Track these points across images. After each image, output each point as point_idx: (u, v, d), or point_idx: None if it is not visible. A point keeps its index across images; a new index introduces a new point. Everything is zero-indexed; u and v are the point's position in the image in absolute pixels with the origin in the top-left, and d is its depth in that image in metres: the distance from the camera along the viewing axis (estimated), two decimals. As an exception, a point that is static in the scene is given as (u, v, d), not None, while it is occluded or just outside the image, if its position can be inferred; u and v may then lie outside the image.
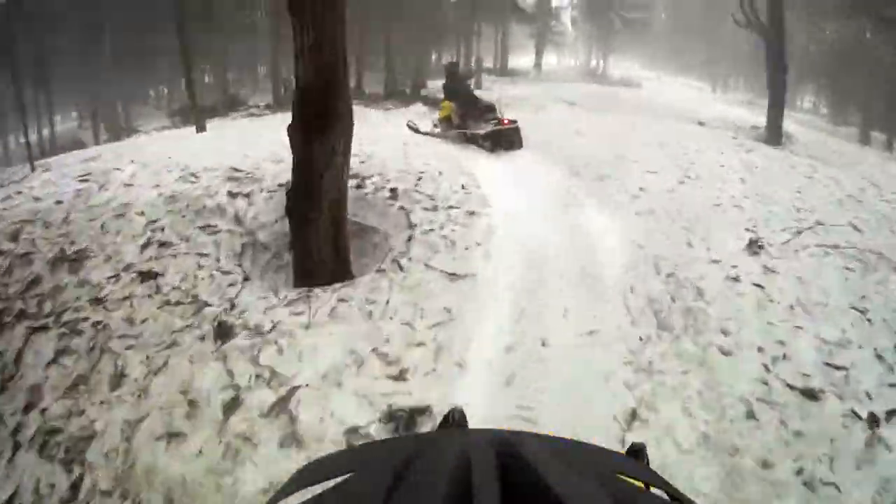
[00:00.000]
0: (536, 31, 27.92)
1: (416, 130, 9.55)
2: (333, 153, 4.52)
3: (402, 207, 5.51)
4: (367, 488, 0.36)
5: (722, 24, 28.05)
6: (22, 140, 18.59)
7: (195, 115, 11.45)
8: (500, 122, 8.08)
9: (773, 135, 12.11)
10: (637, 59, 38.87)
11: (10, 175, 10.73)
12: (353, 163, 6.65)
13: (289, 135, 4.60)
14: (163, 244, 5.42)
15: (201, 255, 5.27)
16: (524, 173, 7.09)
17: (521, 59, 29.10)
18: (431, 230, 5.05)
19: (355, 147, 7.60)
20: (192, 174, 6.51)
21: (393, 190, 5.85)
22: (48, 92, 15.93)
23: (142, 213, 5.79)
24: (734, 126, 13.84)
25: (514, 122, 8.14)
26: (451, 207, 5.53)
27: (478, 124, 8.31)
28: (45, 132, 16.96)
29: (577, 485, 0.33)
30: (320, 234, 4.77)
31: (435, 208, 5.50)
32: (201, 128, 11.27)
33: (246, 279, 4.85)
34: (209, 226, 5.54)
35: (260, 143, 8.17)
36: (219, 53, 17.11)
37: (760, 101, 20.48)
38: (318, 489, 0.39)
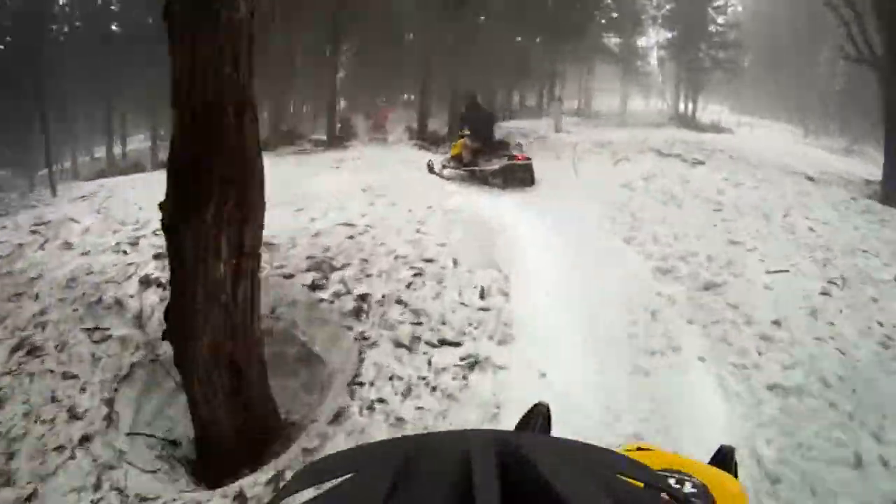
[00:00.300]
0: (622, 71, 25.03)
1: (431, 169, 8.21)
2: (213, 251, 2.39)
3: (361, 336, 3.26)
4: (367, 489, 0.33)
5: (814, 64, 24.29)
6: (97, 155, 18.56)
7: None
8: (514, 157, 7.32)
9: (892, 191, 9.01)
10: (726, 102, 34.79)
11: (22, 200, 9.76)
12: (337, 238, 4.55)
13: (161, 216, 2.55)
14: (32, 350, 3.57)
15: (67, 376, 3.33)
16: (590, 268, 4.47)
17: (607, 101, 26.24)
18: (382, 401, 2.72)
19: (354, 211, 5.31)
20: (133, 240, 4.70)
21: (362, 298, 3.62)
22: (109, 112, 15.39)
23: (36, 298, 3.98)
24: (844, 181, 10.62)
25: (528, 158, 7.43)
26: (444, 343, 3.18)
27: (489, 161, 7.53)
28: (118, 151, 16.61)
29: (578, 485, 0.31)
30: (203, 381, 2.65)
31: (415, 342, 3.19)
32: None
33: (84, 441, 2.81)
34: (98, 328, 3.60)
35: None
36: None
37: (857, 148, 18.67)
38: (318, 490, 0.34)
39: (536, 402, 0.86)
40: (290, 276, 3.98)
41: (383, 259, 4.10)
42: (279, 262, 4.24)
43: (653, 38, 31.49)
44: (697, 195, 6.59)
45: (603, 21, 24.60)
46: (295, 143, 14.07)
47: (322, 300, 3.66)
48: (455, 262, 4.08)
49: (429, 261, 4.11)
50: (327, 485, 0.34)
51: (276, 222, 5.04)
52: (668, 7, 27.17)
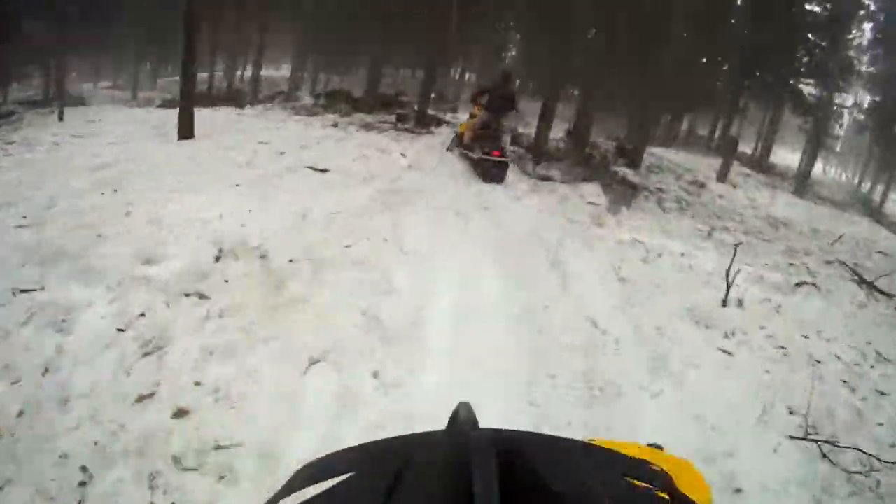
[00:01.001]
0: (812, 127, 19.70)
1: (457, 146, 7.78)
2: None
3: None
4: (367, 489, 0.31)
5: None
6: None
7: (183, 117, 6.76)
8: (492, 153, 6.78)
9: None
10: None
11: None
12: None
13: None
14: None
15: None
16: None
17: (784, 155, 20.96)
18: None
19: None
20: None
21: None
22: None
23: None
24: None
25: (504, 158, 6.89)
26: None
27: (482, 148, 6.99)
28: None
29: (578, 485, 0.30)
30: None
31: None
32: (185, 133, 6.67)
33: None
34: None
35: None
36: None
37: None
38: (317, 490, 0.32)
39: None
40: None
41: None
42: None
43: (850, 100, 25.07)
44: None
45: (804, 60, 19.03)
46: (385, 109, 10.74)
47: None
48: None
49: None
50: (327, 484, 0.32)
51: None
52: (880, 64, 20.98)
